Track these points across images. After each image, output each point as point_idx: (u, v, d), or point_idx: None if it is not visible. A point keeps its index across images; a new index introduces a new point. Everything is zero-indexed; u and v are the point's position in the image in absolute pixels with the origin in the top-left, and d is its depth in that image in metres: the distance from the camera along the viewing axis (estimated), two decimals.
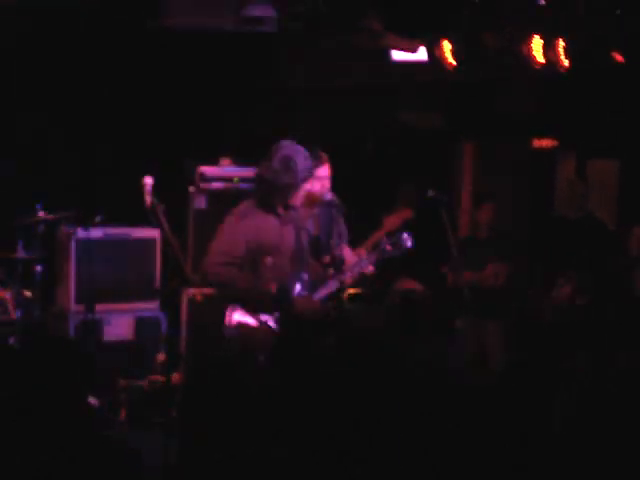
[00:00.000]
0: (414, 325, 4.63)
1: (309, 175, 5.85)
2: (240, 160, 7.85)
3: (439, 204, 6.79)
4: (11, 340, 6.54)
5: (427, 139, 8.83)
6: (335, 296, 5.91)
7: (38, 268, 6.75)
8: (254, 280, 5.67)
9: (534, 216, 8.82)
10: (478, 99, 8.41)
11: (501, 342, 7.35)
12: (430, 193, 6.84)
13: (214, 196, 7.61)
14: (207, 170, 7.66)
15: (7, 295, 6.69)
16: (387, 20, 7.22)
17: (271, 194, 5.79)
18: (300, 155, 5.75)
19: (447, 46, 7.33)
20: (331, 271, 5.99)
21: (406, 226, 6.71)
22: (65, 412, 3.41)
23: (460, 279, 7.07)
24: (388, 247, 5.99)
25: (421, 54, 7.55)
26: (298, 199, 5.92)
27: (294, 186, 5.77)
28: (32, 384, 3.42)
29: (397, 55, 7.69)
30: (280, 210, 5.81)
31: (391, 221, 6.97)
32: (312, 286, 5.79)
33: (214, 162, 7.78)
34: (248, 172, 7.74)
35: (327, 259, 6.08)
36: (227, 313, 5.64)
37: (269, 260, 5.73)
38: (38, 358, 3.57)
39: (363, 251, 6.26)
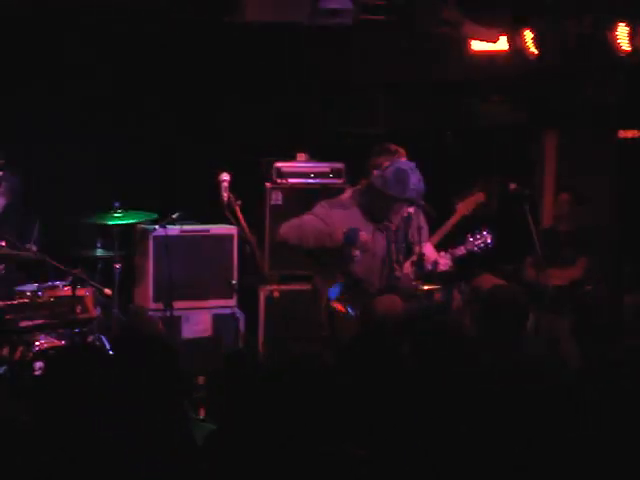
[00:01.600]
0: (518, 328, 4.54)
1: (418, 197, 5.89)
2: (317, 155, 7.78)
3: (521, 198, 6.68)
4: (90, 338, 6.56)
5: (508, 131, 8.66)
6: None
7: (117, 266, 6.77)
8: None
9: (620, 210, 8.58)
10: (561, 89, 8.20)
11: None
12: (512, 187, 6.73)
13: (290, 192, 7.57)
14: (283, 166, 7.61)
15: (87, 293, 6.70)
16: (466, 9, 7.08)
17: (376, 202, 5.82)
18: (415, 175, 5.79)
19: (529, 35, 7.16)
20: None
21: (480, 210, 6.67)
22: (155, 412, 3.37)
23: (543, 275, 6.88)
24: (469, 245, 6.03)
25: (501, 44, 7.39)
26: (397, 218, 5.95)
27: (400, 200, 5.82)
28: (118, 382, 3.38)
29: (477, 45, 7.53)
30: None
31: (464, 206, 6.91)
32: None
33: (291, 157, 7.73)
34: (324, 167, 7.70)
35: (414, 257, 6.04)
36: None
37: (357, 253, 5.83)
38: (125, 357, 3.57)
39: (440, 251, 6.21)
